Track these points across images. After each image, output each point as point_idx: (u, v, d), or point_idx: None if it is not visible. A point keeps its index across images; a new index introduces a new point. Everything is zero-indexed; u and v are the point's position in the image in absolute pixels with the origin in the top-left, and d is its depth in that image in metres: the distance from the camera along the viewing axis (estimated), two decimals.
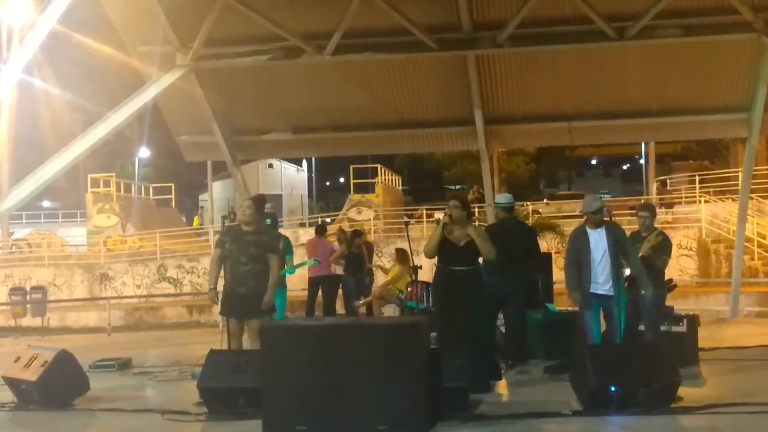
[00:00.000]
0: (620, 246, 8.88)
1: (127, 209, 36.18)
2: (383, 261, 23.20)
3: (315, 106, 16.27)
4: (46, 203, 49.02)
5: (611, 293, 8.81)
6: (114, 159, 47.09)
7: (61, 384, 8.68)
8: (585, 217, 9.14)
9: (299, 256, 15.69)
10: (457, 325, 8.79)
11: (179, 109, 16.75)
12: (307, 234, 27.50)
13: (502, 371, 9.90)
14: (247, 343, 9.05)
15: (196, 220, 46.44)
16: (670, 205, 31.02)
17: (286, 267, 11.06)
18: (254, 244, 8.98)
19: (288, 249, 11.30)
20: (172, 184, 40.78)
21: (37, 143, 35.18)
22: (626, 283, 9.13)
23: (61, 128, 37.49)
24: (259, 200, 9.67)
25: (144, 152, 49.13)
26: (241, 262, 8.94)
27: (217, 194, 46.98)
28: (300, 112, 16.53)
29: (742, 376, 9.53)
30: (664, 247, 9.62)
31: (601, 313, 9.02)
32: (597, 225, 8.93)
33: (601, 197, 9.25)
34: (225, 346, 9.17)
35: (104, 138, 14.77)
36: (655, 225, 9.94)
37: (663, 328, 9.80)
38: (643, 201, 27.07)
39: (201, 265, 28.64)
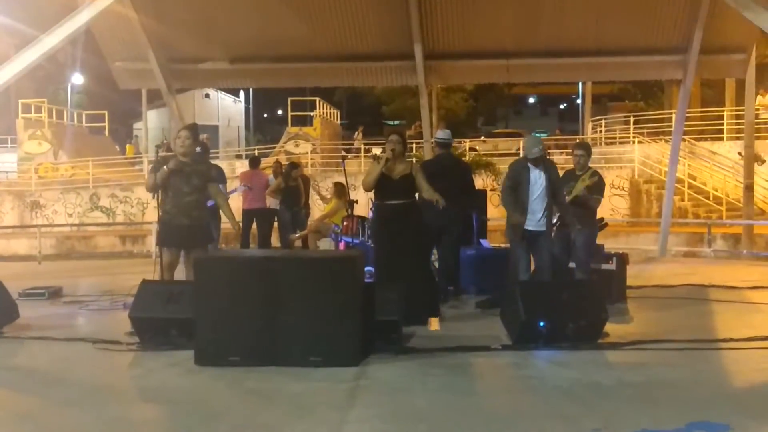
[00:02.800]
0: (553, 185, 9.00)
1: (59, 136, 35.44)
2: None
3: (254, 35, 16.01)
4: None
5: (543, 229, 8.95)
6: (46, 84, 45.81)
7: None
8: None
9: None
10: (395, 258, 8.84)
11: (114, 35, 16.35)
12: (244, 166, 27.26)
13: None
14: (183, 274, 8.98)
15: (129, 149, 45.58)
16: None
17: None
18: (195, 174, 8.87)
19: (221, 179, 11.19)
20: (106, 112, 39.92)
21: None
22: (557, 222, 9.33)
23: None
24: (194, 128, 9.48)
25: (77, 78, 47.80)
26: (185, 193, 8.79)
27: (151, 123, 46.11)
28: (238, 41, 16.25)
29: (667, 313, 9.75)
30: (597, 187, 9.76)
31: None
32: (537, 165, 9.03)
33: (541, 141, 9.31)
34: (158, 277, 9.09)
35: (36, 62, 14.33)
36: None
37: (593, 265, 9.97)
38: (578, 140, 27.36)
39: (134, 195, 28.34)
